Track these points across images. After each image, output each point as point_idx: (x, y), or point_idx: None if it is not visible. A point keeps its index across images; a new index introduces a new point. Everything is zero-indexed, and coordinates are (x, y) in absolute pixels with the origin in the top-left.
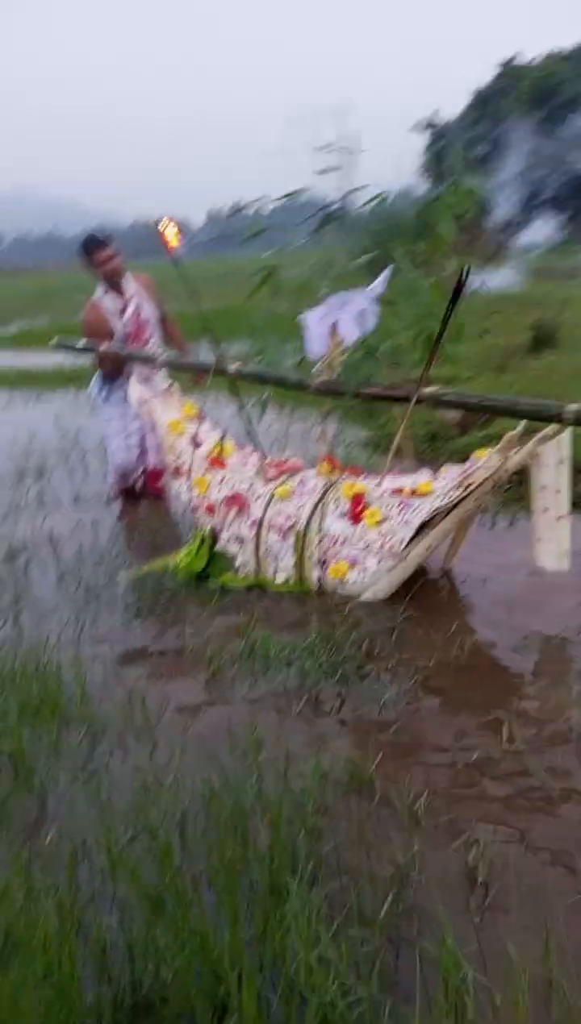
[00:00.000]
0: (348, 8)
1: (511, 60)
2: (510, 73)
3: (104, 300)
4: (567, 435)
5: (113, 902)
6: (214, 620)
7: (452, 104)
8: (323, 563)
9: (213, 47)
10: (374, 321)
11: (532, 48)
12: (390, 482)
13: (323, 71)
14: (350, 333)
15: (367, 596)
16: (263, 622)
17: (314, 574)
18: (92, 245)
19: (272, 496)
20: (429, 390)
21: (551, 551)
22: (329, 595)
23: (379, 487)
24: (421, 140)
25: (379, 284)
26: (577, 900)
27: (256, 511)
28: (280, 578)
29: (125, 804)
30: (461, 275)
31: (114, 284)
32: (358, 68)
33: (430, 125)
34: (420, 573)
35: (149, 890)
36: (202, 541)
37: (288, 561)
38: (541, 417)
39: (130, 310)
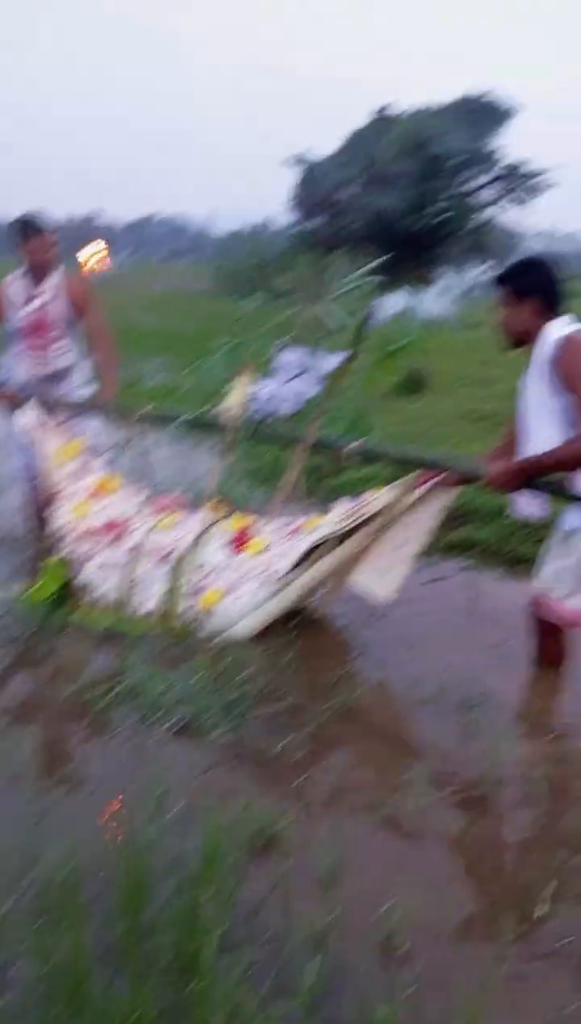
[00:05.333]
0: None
1: (385, 108)
2: (383, 120)
3: (14, 283)
4: (455, 491)
5: None
6: (84, 657)
7: (326, 144)
8: (195, 593)
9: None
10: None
11: (406, 99)
12: (280, 519)
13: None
14: (307, 390)
15: (237, 632)
16: (140, 661)
17: (184, 604)
18: (28, 230)
19: (155, 525)
20: (355, 445)
21: (388, 583)
22: (198, 632)
23: (267, 523)
24: (293, 175)
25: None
26: (496, 963)
27: (136, 537)
28: (146, 608)
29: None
30: (364, 318)
31: (37, 274)
32: (237, 101)
33: (301, 161)
34: (302, 613)
35: (38, 966)
36: (53, 571)
37: (158, 590)
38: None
39: (36, 304)
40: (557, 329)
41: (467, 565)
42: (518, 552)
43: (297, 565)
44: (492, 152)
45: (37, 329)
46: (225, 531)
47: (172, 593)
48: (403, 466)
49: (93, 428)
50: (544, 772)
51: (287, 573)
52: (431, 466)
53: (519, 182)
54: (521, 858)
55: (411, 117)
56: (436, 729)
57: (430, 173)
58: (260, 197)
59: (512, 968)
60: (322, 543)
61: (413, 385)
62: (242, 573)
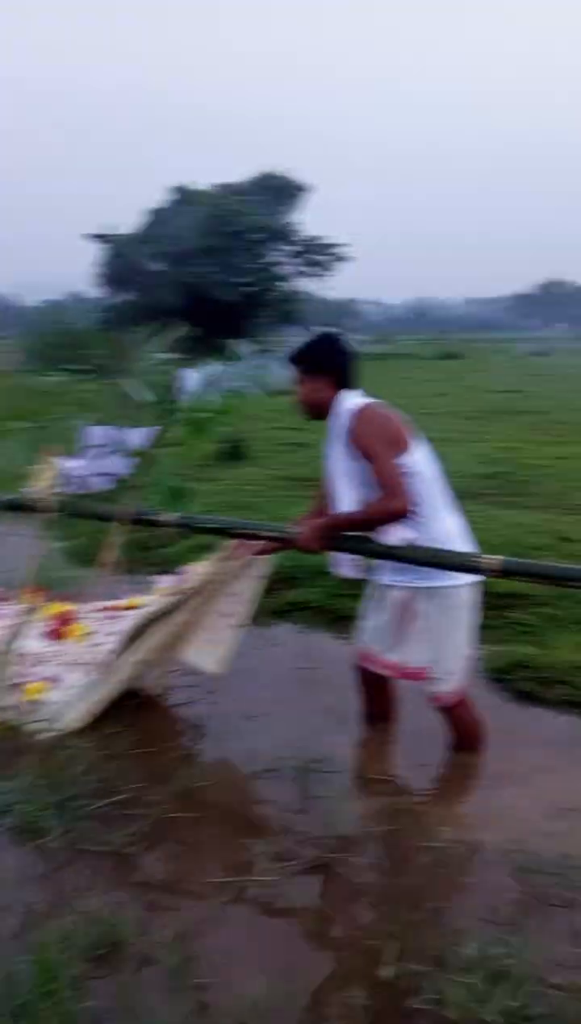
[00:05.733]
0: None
1: (184, 187)
2: (185, 198)
3: None
4: (275, 556)
5: None
6: None
7: (128, 222)
8: (18, 687)
9: None
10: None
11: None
12: (101, 601)
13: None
14: (117, 467)
15: (67, 722)
16: None
17: (9, 699)
18: None
19: None
20: (174, 516)
21: (215, 655)
22: (25, 727)
23: (88, 606)
24: (98, 251)
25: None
26: None
27: None
28: None
29: None
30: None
31: None
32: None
33: (106, 237)
34: (133, 697)
35: None
36: None
37: None
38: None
39: None
40: (350, 401)
41: (298, 627)
42: (344, 609)
43: (123, 647)
44: (290, 227)
45: None
46: (44, 619)
47: None
48: (221, 535)
49: None
50: (381, 830)
51: (113, 656)
52: (246, 534)
53: (317, 255)
54: (365, 921)
55: (212, 194)
56: (276, 800)
57: (234, 247)
58: (69, 270)
59: None
60: (147, 622)
61: (231, 453)
62: (67, 661)
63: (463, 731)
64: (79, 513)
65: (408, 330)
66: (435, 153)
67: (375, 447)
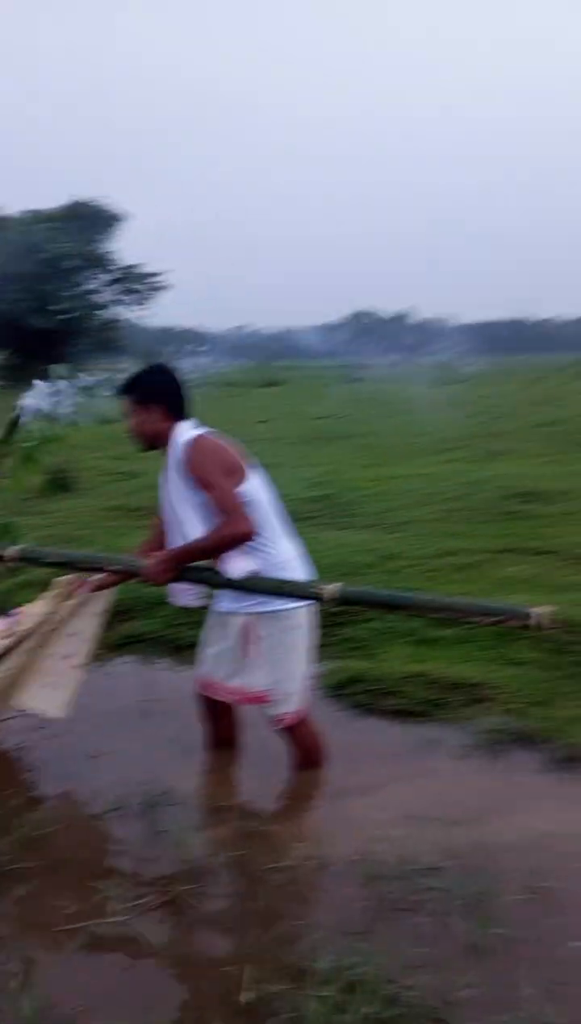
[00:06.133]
0: None
1: None
2: None
3: None
4: (115, 589)
5: None
6: None
7: None
8: None
9: None
10: None
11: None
12: None
13: None
14: None
15: None
16: None
17: None
18: None
19: None
20: (15, 549)
21: (58, 698)
22: None
23: None
24: None
25: None
26: None
27: None
28: None
29: None
30: (17, 411)
31: None
32: None
33: None
34: None
35: None
36: None
37: None
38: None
39: None
40: (184, 432)
41: (136, 659)
42: (184, 639)
43: None
44: (105, 255)
45: None
46: None
47: None
48: (64, 567)
49: None
50: (230, 857)
51: None
52: (92, 567)
53: (136, 283)
54: (221, 949)
55: (21, 221)
56: (123, 838)
57: (47, 274)
58: None
59: None
60: None
61: (59, 484)
62: None
63: (305, 750)
64: None
65: (230, 357)
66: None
67: (212, 476)
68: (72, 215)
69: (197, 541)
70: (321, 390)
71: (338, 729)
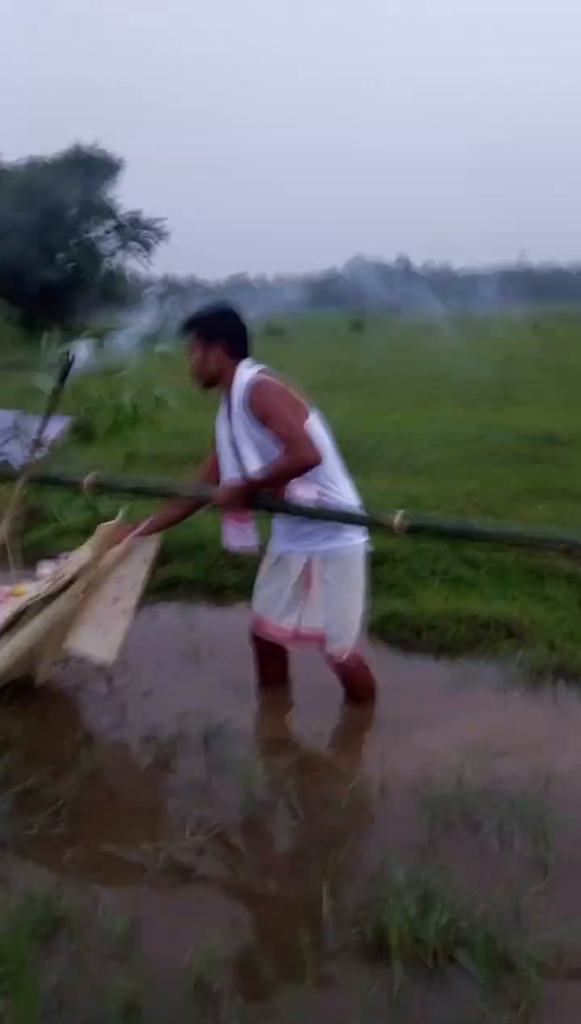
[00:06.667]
0: None
1: None
2: None
3: None
4: (160, 536)
5: None
6: None
7: None
8: None
9: None
10: None
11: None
12: None
13: None
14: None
15: None
16: None
17: None
18: None
19: None
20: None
21: (107, 642)
22: None
23: None
24: None
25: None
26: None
27: None
28: None
29: None
30: (68, 356)
31: None
32: None
33: None
34: (21, 683)
35: None
36: None
37: None
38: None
39: None
40: (246, 372)
41: (178, 602)
42: (222, 582)
43: (4, 634)
44: (107, 203)
45: None
46: None
47: None
48: (137, 494)
49: None
50: (294, 783)
51: None
52: (163, 493)
53: (137, 231)
54: (296, 867)
55: (20, 169)
56: (187, 769)
57: (49, 224)
58: None
59: (320, 972)
60: (27, 609)
61: (84, 434)
62: None
63: (358, 685)
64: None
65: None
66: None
67: (276, 410)
68: (74, 162)
69: (264, 469)
70: (329, 337)
71: (382, 666)
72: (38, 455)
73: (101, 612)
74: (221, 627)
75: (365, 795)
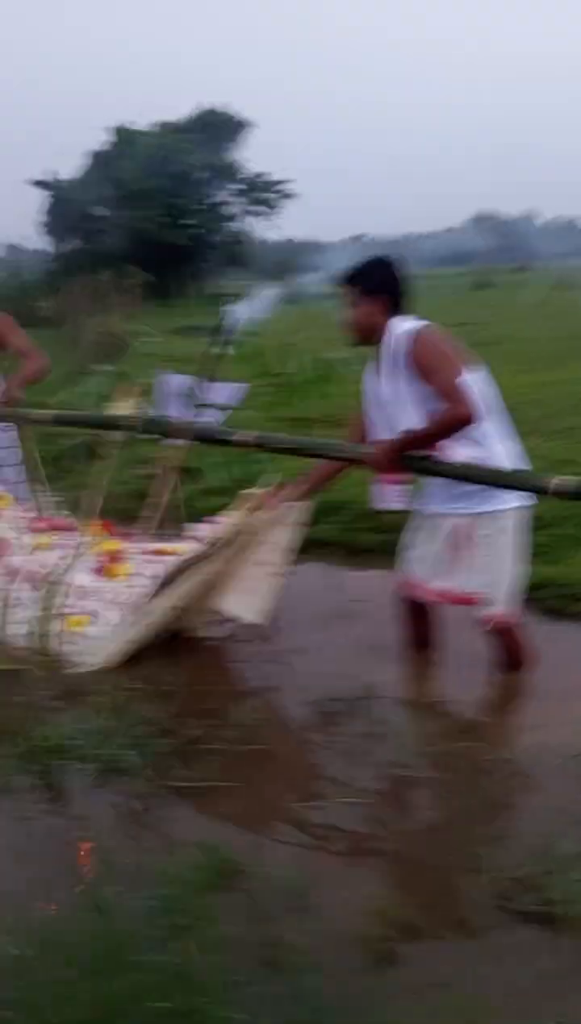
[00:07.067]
0: None
1: (124, 127)
2: (125, 138)
3: None
4: (308, 503)
5: None
6: None
7: (68, 165)
8: (62, 616)
9: None
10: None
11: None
12: (149, 543)
13: None
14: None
15: (101, 659)
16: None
17: (52, 627)
18: None
19: (32, 546)
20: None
21: (254, 604)
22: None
23: (136, 546)
24: (40, 198)
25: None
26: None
27: (15, 560)
28: (19, 631)
29: None
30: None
31: None
32: None
33: (47, 184)
34: (176, 638)
35: None
36: None
37: (32, 613)
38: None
39: None
40: (405, 324)
41: (319, 564)
42: (360, 543)
43: (157, 591)
44: (232, 165)
45: None
46: (95, 555)
47: (43, 620)
48: (294, 454)
49: None
50: (450, 748)
51: (146, 600)
52: (319, 453)
53: (263, 193)
54: (457, 833)
55: (152, 134)
56: (342, 728)
57: (177, 188)
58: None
59: (488, 940)
60: (182, 568)
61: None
62: (107, 599)
63: (514, 651)
64: (160, 431)
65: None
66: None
67: (435, 363)
68: (201, 125)
69: (420, 427)
70: (451, 297)
71: (534, 634)
72: (206, 418)
73: (250, 575)
74: (365, 589)
75: (520, 764)
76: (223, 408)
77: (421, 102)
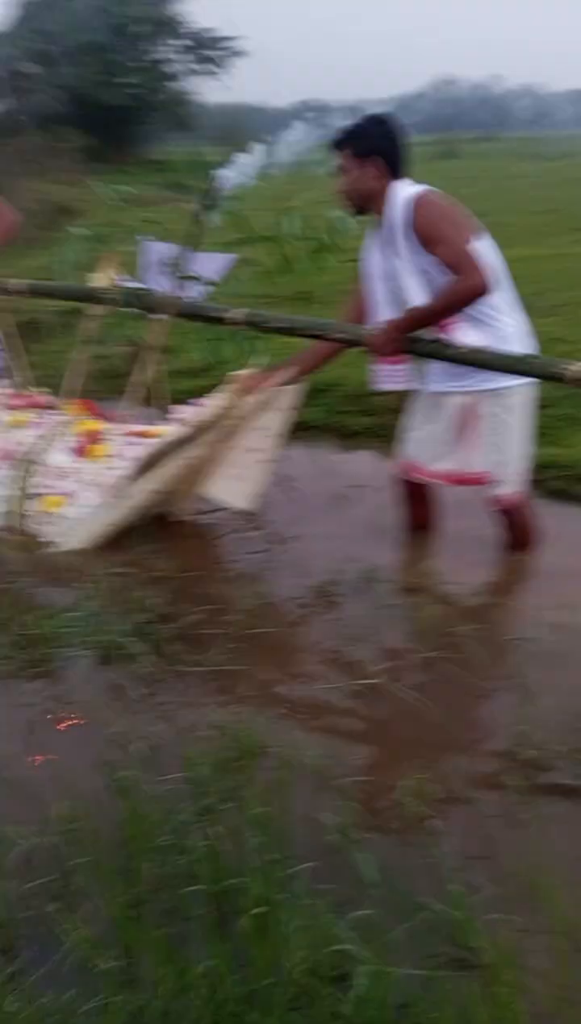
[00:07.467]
0: None
1: None
2: None
3: None
4: (301, 386)
5: None
6: None
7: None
8: (38, 496)
9: None
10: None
11: None
12: (130, 424)
13: None
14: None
15: (77, 540)
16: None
17: (28, 508)
18: None
19: (9, 424)
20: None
21: (243, 490)
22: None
23: (117, 427)
24: None
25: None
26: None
27: None
28: None
29: None
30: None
31: None
32: None
33: None
34: (171, 522)
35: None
36: None
37: (7, 492)
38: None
39: None
40: (406, 189)
41: (307, 447)
42: (349, 426)
43: (136, 474)
44: (177, 18)
45: None
46: (73, 434)
47: (19, 499)
48: (288, 334)
49: None
50: (468, 628)
51: (125, 482)
52: (314, 333)
53: (209, 50)
54: (490, 709)
55: None
56: (351, 609)
57: (116, 43)
58: None
59: (533, 813)
60: (164, 451)
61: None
62: (84, 480)
63: (522, 532)
64: (143, 305)
65: (303, 135)
66: None
67: (442, 230)
68: None
69: (428, 303)
70: (417, 167)
71: (541, 514)
72: (191, 292)
73: (238, 460)
74: (358, 473)
75: (539, 645)
76: (209, 282)
77: None
